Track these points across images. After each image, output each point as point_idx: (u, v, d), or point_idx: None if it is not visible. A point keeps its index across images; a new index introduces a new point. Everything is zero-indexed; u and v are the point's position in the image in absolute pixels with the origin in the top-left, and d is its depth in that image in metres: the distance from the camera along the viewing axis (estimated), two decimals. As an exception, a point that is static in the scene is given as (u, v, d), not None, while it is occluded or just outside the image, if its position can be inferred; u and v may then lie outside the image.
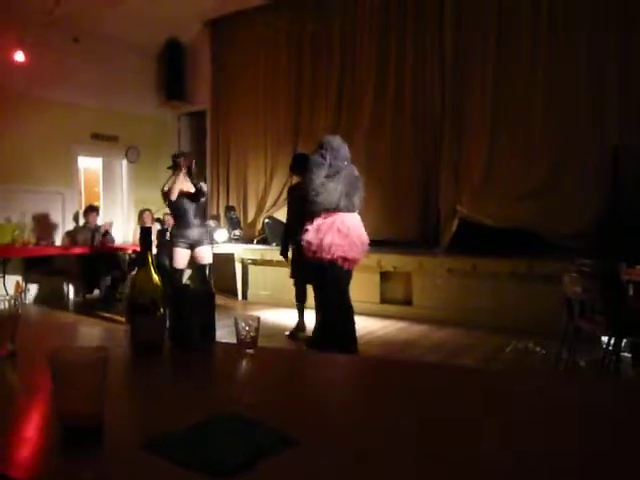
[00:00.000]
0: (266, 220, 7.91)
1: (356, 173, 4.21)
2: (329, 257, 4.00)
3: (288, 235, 5.04)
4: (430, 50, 6.53)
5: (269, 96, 7.98)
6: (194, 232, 5.22)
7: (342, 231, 4.01)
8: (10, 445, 0.79)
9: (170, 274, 5.24)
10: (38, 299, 7.44)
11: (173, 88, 8.92)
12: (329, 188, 4.01)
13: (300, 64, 7.70)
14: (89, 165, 9.15)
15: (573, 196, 5.49)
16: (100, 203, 9.03)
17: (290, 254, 5.11)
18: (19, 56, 7.04)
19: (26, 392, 1.06)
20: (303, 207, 4.24)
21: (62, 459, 0.75)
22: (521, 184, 5.80)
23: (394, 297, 6.25)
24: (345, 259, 4.04)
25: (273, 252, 7.25)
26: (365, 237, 4.19)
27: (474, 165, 6.17)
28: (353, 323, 4.33)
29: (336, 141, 4.19)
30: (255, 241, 7.75)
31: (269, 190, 7.98)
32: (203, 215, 5.61)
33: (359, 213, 4.25)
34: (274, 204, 7.90)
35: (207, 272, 5.41)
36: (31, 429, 0.87)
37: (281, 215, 7.80)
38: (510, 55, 5.99)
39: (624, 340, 3.34)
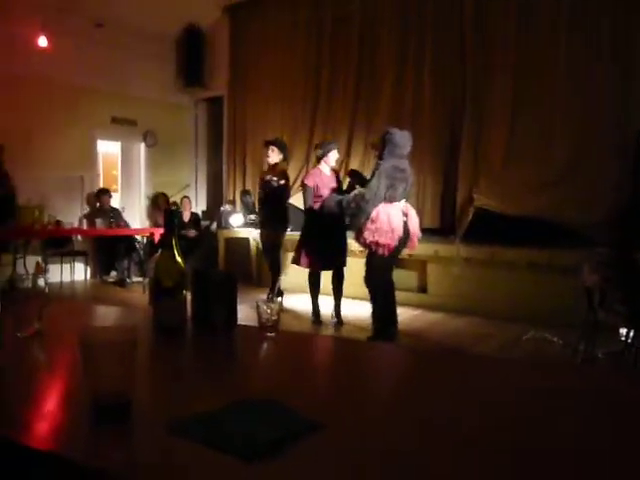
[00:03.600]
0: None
1: (402, 166, 4.40)
2: (362, 242, 4.41)
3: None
4: (450, 33, 6.42)
5: (287, 82, 7.93)
6: (262, 217, 5.90)
7: (372, 218, 4.31)
8: (38, 419, 0.81)
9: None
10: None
11: (191, 74, 8.90)
12: (373, 188, 4.30)
13: (319, 51, 7.63)
14: (107, 149, 9.22)
15: (594, 184, 5.38)
16: (118, 186, 9.11)
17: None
18: (42, 41, 7.09)
19: (52, 369, 1.08)
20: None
21: (89, 434, 0.77)
22: (541, 171, 5.70)
23: (409, 285, 6.23)
24: (377, 244, 4.31)
25: (288, 237, 7.26)
26: (397, 224, 4.32)
27: (493, 153, 6.09)
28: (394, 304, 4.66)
29: (398, 137, 4.40)
30: (271, 226, 7.75)
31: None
32: (276, 203, 5.79)
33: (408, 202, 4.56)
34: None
35: (275, 255, 5.82)
36: (57, 404, 0.89)
37: (295, 200, 7.79)
38: (531, 37, 5.86)
39: (643, 332, 3.29)
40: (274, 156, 5.76)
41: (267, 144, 5.93)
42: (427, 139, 6.52)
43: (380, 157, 4.42)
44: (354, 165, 7.21)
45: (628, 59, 5.34)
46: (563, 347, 4.23)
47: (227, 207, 8.25)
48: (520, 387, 1.03)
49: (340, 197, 4.81)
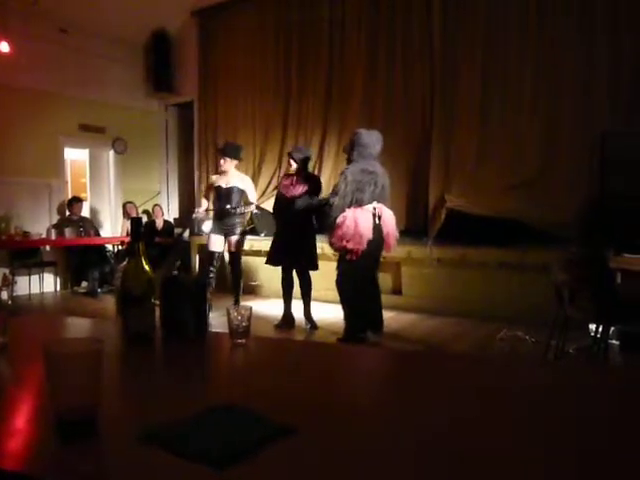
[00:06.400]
0: (255, 211, 7.86)
1: (370, 168, 4.30)
2: (332, 247, 4.41)
3: None
4: (419, 37, 6.48)
5: (257, 86, 7.92)
6: (227, 221, 5.64)
7: (338, 223, 4.25)
8: (3, 437, 0.78)
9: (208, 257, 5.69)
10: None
11: (160, 79, 8.82)
12: (339, 192, 4.25)
13: (288, 53, 7.64)
14: (76, 156, 9.06)
15: (563, 184, 5.50)
16: (87, 194, 8.95)
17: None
18: (3, 47, 6.94)
19: (18, 384, 1.05)
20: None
21: (57, 451, 0.74)
22: (512, 172, 5.80)
23: (383, 287, 6.23)
24: (345, 249, 4.27)
25: (262, 242, 7.23)
26: (365, 229, 4.21)
27: (464, 155, 6.16)
28: (376, 307, 4.71)
29: (365, 137, 4.34)
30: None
31: (257, 181, 7.93)
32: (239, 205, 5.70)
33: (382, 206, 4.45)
34: (262, 194, 7.86)
35: (240, 261, 5.69)
36: (24, 421, 0.87)
37: (269, 205, 7.77)
38: (499, 41, 5.96)
39: (612, 327, 3.37)
40: (227, 164, 5.64)
41: (219, 152, 5.78)
42: (398, 142, 6.57)
43: (349, 160, 4.38)
44: (327, 166, 7.24)
45: (591, 62, 5.47)
46: (535, 344, 4.31)
47: (199, 214, 8.17)
48: (494, 385, 1.04)
49: (310, 200, 4.80)
